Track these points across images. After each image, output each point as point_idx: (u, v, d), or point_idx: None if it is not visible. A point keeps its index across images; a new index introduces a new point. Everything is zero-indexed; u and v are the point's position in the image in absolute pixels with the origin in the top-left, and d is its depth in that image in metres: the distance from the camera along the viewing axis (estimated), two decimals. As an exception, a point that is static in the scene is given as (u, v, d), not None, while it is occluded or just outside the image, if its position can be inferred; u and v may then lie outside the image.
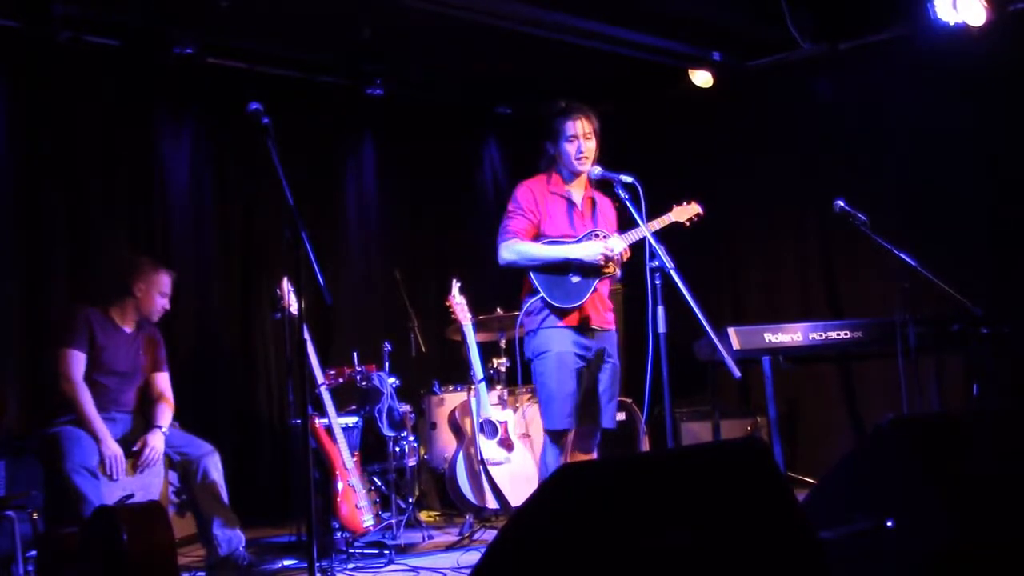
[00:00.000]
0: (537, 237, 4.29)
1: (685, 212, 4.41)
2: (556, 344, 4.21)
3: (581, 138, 4.27)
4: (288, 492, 6.16)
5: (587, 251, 4.19)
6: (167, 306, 4.95)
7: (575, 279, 4.23)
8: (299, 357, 3.77)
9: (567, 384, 4.19)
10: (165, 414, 4.90)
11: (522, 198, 4.31)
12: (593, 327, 4.28)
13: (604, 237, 4.26)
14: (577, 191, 4.38)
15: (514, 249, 4.25)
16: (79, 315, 4.75)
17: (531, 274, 4.25)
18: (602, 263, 4.20)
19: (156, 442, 4.74)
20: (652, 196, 4.34)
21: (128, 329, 4.88)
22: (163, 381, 5.05)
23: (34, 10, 5.44)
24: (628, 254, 4.25)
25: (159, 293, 4.89)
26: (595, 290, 4.26)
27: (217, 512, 4.70)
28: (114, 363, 4.78)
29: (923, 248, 5.23)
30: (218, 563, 4.66)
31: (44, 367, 4.87)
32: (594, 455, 4.39)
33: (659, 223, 4.30)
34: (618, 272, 4.34)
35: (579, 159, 4.27)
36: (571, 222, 4.31)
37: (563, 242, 4.25)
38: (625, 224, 4.34)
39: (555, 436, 4.25)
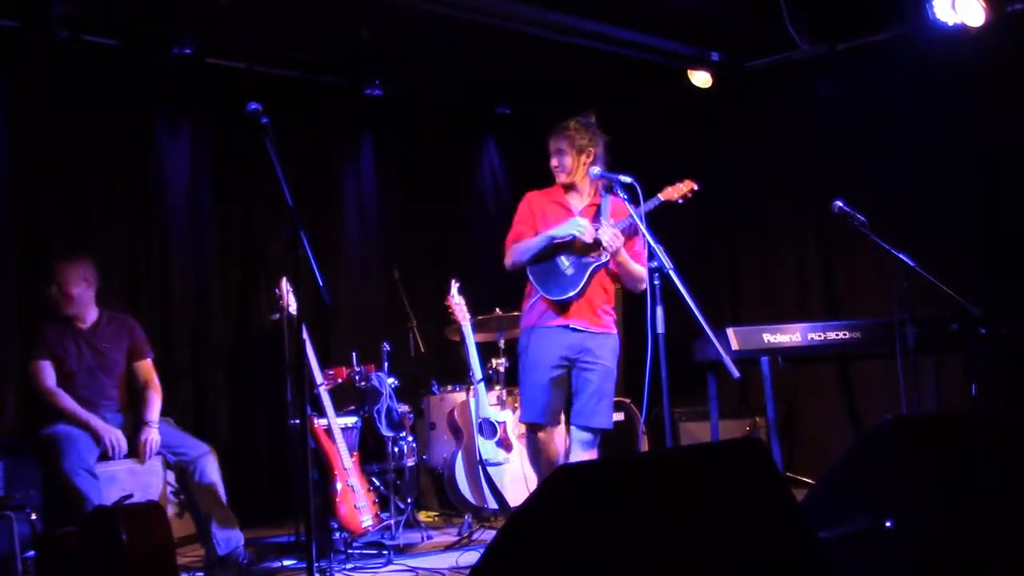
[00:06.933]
0: None
1: (677, 191, 4.45)
2: (538, 342, 4.41)
3: (554, 155, 4.50)
4: (287, 492, 6.16)
5: (568, 227, 4.35)
6: (73, 293, 4.83)
7: (567, 266, 4.38)
8: (298, 357, 3.78)
9: (540, 381, 4.38)
10: (153, 406, 4.90)
11: (520, 209, 4.58)
12: (580, 328, 4.38)
13: (595, 229, 4.36)
14: (576, 200, 4.54)
15: (511, 251, 4.48)
16: (39, 326, 4.84)
17: (528, 271, 4.42)
18: (585, 238, 4.31)
19: (150, 435, 4.75)
20: (651, 196, 4.38)
21: (83, 325, 4.89)
22: (146, 369, 5.04)
23: (33, 10, 5.43)
24: (621, 239, 4.32)
25: (53, 283, 4.83)
26: (589, 284, 4.35)
27: (215, 512, 4.70)
28: (80, 361, 4.81)
29: (922, 248, 5.23)
30: (217, 562, 4.66)
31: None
32: (594, 454, 4.42)
33: (648, 205, 4.33)
34: (604, 257, 4.38)
35: (555, 173, 4.53)
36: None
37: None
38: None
39: (530, 428, 4.49)
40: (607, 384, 4.42)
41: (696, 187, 4.47)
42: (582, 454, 4.38)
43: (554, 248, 4.39)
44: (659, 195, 4.40)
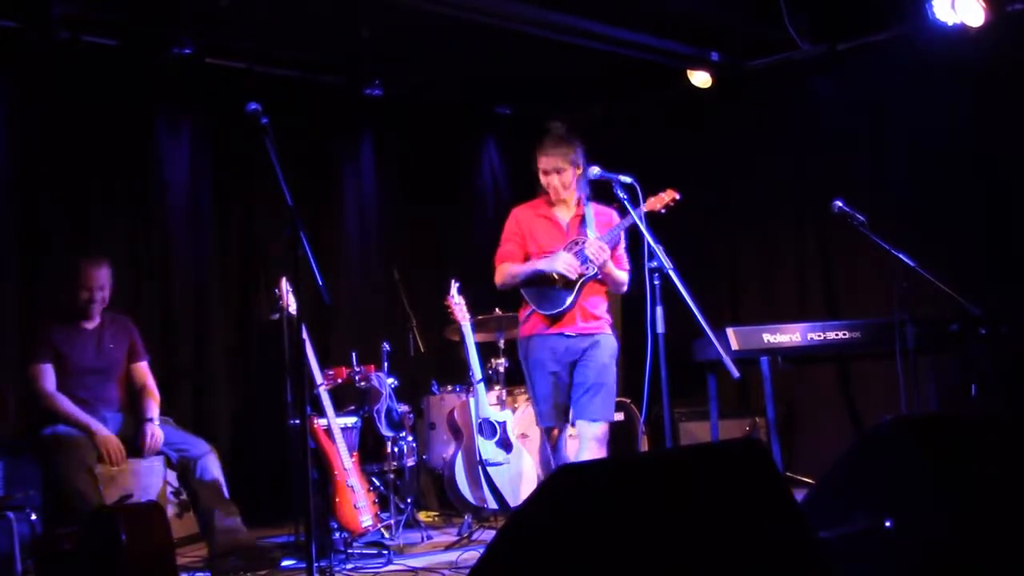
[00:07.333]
0: (527, 257, 4.59)
1: (659, 201, 4.52)
2: (536, 351, 4.55)
3: (553, 173, 4.53)
4: (287, 492, 6.15)
5: (552, 263, 4.48)
6: (95, 298, 4.81)
7: (556, 281, 4.50)
8: (298, 357, 3.78)
9: (543, 388, 4.52)
10: (152, 406, 4.90)
11: (509, 224, 4.68)
12: (574, 334, 4.51)
13: (581, 243, 4.48)
14: (563, 212, 4.64)
15: (500, 272, 4.64)
16: (40, 329, 4.80)
17: (521, 290, 4.59)
18: (571, 276, 4.44)
19: (153, 430, 4.75)
20: (662, 187, 4.42)
21: (89, 326, 4.86)
22: (143, 371, 5.02)
23: (33, 10, 5.43)
24: (607, 252, 4.43)
25: (82, 287, 4.79)
26: (580, 295, 4.49)
27: (217, 504, 4.71)
28: (83, 362, 4.78)
29: (921, 248, 5.23)
30: (220, 553, 4.65)
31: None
32: (601, 450, 4.47)
33: (630, 219, 4.40)
34: (592, 270, 4.48)
35: (553, 191, 4.58)
36: (555, 239, 4.57)
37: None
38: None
39: (544, 432, 4.64)
40: (604, 377, 4.50)
41: (678, 196, 4.53)
42: (588, 449, 4.44)
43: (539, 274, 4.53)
44: (641, 206, 4.43)
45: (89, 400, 4.75)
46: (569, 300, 4.47)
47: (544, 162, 4.53)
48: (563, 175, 4.52)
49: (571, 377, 4.53)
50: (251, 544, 4.78)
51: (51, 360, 4.71)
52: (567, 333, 4.51)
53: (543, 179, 4.56)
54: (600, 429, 4.45)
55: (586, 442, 4.45)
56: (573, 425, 4.59)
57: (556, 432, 4.59)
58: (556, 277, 4.46)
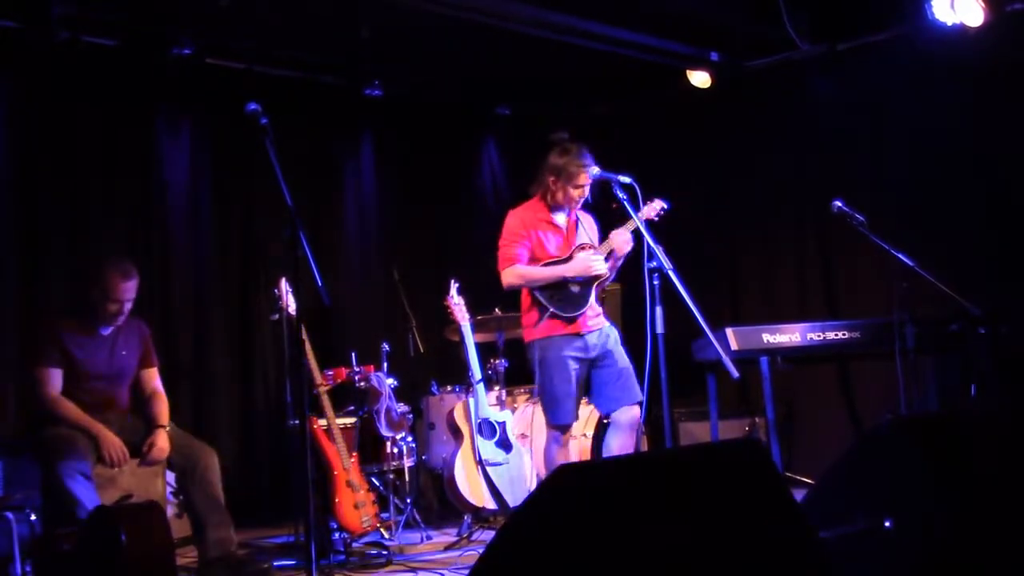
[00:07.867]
0: (531, 260, 4.62)
1: (652, 210, 4.60)
2: (556, 349, 4.56)
3: (583, 187, 4.57)
4: (287, 492, 6.16)
5: (577, 267, 4.55)
6: (123, 310, 4.67)
7: (575, 289, 4.58)
8: (297, 358, 3.77)
9: (564, 385, 4.53)
10: (163, 412, 4.81)
11: (515, 227, 4.65)
12: (585, 332, 4.58)
13: (591, 249, 4.59)
14: (561, 217, 4.71)
15: (516, 273, 4.59)
16: (49, 331, 4.66)
17: (535, 292, 4.59)
18: (604, 272, 4.56)
19: (162, 441, 4.66)
20: (649, 197, 4.43)
21: (105, 331, 4.71)
22: (153, 377, 4.94)
23: (33, 10, 5.43)
24: (631, 243, 4.54)
25: (111, 300, 4.61)
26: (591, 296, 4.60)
27: (212, 513, 4.67)
28: (94, 367, 4.66)
29: (921, 248, 5.23)
30: (208, 563, 4.63)
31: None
32: (632, 440, 4.56)
33: (623, 232, 4.53)
34: (611, 275, 4.68)
35: (578, 200, 4.61)
36: (559, 245, 4.64)
37: (555, 263, 4.60)
38: (610, 227, 4.63)
39: (560, 430, 4.63)
40: (625, 361, 4.62)
41: (666, 206, 4.61)
42: (621, 438, 4.54)
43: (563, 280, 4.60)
44: (634, 217, 4.47)
45: (96, 404, 4.69)
46: (588, 303, 4.56)
47: (584, 178, 4.51)
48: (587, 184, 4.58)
49: (590, 374, 4.61)
50: (241, 556, 4.75)
51: (60, 364, 4.60)
52: (582, 332, 4.58)
53: (574, 193, 4.55)
54: (637, 412, 4.54)
55: (621, 430, 4.55)
56: (607, 417, 4.70)
57: (568, 434, 4.65)
58: (574, 280, 4.54)
